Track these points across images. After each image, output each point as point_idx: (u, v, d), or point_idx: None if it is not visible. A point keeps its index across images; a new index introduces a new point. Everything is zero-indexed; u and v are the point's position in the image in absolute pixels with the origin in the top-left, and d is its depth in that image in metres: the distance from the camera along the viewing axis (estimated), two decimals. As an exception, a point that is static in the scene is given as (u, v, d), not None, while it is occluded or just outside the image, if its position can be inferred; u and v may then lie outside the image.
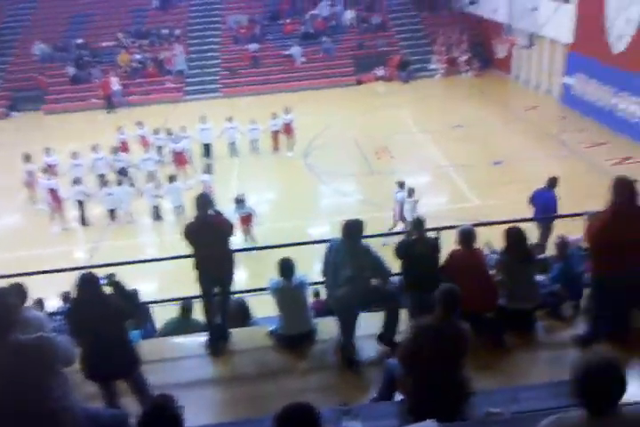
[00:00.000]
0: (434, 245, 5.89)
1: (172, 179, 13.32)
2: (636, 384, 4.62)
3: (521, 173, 14.87)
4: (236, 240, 11.24)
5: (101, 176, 14.93)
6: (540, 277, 6.27)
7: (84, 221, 13.87)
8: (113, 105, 23.95)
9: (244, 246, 11.56)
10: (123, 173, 15.11)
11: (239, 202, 12.01)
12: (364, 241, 5.57)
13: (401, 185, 11.90)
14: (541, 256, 7.44)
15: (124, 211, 13.78)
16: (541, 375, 4.96)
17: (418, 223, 5.93)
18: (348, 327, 5.47)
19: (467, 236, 5.68)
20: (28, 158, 14.83)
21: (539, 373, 5.10)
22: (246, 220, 12.02)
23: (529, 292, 5.76)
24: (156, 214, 13.67)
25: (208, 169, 13.88)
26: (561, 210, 11.41)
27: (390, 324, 5.51)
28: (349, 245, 5.43)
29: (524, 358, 5.33)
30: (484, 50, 25.72)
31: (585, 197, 11.20)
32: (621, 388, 2.54)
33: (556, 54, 20.56)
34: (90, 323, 4.61)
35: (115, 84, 24.29)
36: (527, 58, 22.60)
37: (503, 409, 4.15)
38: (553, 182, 10.58)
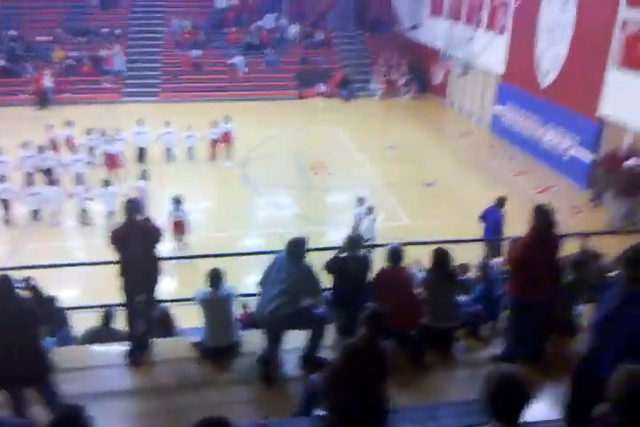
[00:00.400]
0: (365, 263, 5.99)
1: (106, 183, 12.90)
2: (546, 405, 4.88)
3: (451, 196, 15.38)
4: (168, 247, 11.09)
5: (29, 175, 14.33)
6: (461, 298, 6.49)
7: (7, 221, 13.25)
8: (45, 102, 23.08)
9: (177, 254, 11.39)
10: (48, 172, 14.53)
11: (177, 202, 11.81)
12: (308, 260, 5.59)
13: (360, 201, 11.99)
14: (464, 277, 7.71)
15: (53, 212, 13.25)
16: (459, 393, 5.12)
17: (354, 241, 5.99)
18: (271, 342, 5.47)
19: (394, 254, 5.82)
20: None
21: (457, 390, 5.25)
22: (180, 225, 11.82)
23: (451, 311, 5.94)
24: (84, 218, 13.22)
25: (144, 175, 13.52)
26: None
27: (314, 344, 5.53)
28: (291, 262, 5.45)
29: (442, 376, 5.48)
30: (422, 74, 26.53)
31: (511, 221, 11.76)
32: (525, 399, 2.68)
33: (489, 84, 21.48)
34: (0, 327, 4.41)
35: (47, 80, 23.46)
36: (462, 85, 23.49)
37: (420, 427, 4.26)
38: (501, 202, 10.98)
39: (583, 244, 7.60)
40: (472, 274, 8.07)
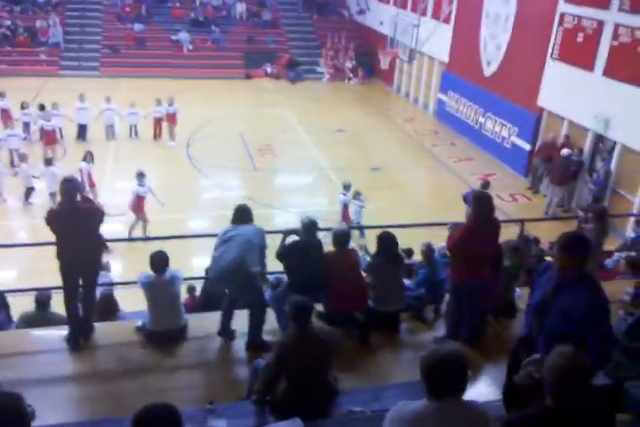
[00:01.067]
0: (321, 248, 5.94)
1: (48, 162, 12.22)
2: (485, 385, 5.08)
3: (396, 181, 15.59)
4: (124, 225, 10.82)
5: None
6: (406, 282, 6.63)
7: None
8: None
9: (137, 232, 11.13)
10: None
11: (140, 176, 11.50)
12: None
13: (345, 187, 11.87)
14: (409, 261, 7.87)
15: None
16: (404, 375, 5.23)
17: (309, 225, 5.82)
18: (225, 304, 5.61)
19: (340, 237, 5.86)
20: None
21: (402, 372, 5.37)
22: (141, 200, 11.54)
23: (396, 294, 6.06)
24: (29, 196, 12.66)
25: (88, 157, 12.69)
26: (428, 218, 12.15)
27: (257, 327, 5.49)
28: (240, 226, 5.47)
29: (388, 358, 5.59)
30: (369, 59, 26.61)
31: (450, 207, 12.05)
32: (462, 375, 2.72)
33: (433, 71, 21.75)
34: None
35: None
36: (408, 72, 23.70)
37: (365, 408, 4.35)
38: (485, 186, 11.25)
39: (521, 229, 7.89)
40: (416, 258, 8.24)
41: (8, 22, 23.98)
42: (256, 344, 5.43)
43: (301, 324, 4.17)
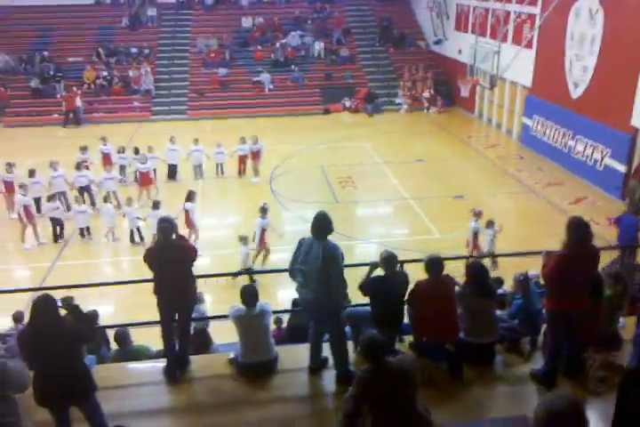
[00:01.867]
0: (405, 280, 5.86)
1: (156, 205, 12.54)
2: (592, 422, 4.76)
3: (480, 208, 15.20)
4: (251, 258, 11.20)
5: (62, 193, 14.64)
6: (498, 313, 6.39)
7: (56, 238, 13.54)
8: (74, 121, 23.62)
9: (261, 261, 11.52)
10: (84, 190, 14.82)
11: (263, 210, 11.91)
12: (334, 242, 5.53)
13: (476, 215, 11.71)
14: (500, 291, 7.60)
15: (110, 229, 13.45)
16: (499, 409, 5.02)
17: (388, 258, 5.77)
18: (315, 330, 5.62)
19: (433, 264, 5.71)
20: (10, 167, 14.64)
21: (496, 407, 5.16)
22: (264, 233, 11.83)
23: (489, 326, 5.85)
24: (137, 237, 13.35)
25: (192, 196, 12.90)
26: (520, 246, 11.74)
27: (342, 359, 5.48)
28: (318, 243, 5.46)
29: (482, 392, 5.39)
30: (447, 88, 26.50)
31: (542, 234, 11.60)
32: None
33: (517, 96, 21.35)
34: (44, 347, 4.44)
35: (78, 100, 24.03)
36: (489, 98, 23.38)
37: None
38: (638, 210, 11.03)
39: (622, 256, 7.45)
40: (506, 288, 7.95)
41: (105, 73, 25.86)
42: (345, 376, 5.39)
43: (376, 360, 4.15)
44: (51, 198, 13.58)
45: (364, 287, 5.77)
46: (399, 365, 4.21)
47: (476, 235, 11.51)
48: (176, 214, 12.87)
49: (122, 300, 10.48)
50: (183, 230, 12.32)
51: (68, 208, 14.40)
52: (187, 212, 12.70)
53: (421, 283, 5.70)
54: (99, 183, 15.07)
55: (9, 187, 14.55)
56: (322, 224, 5.51)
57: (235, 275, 10.23)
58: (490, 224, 11.43)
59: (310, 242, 5.49)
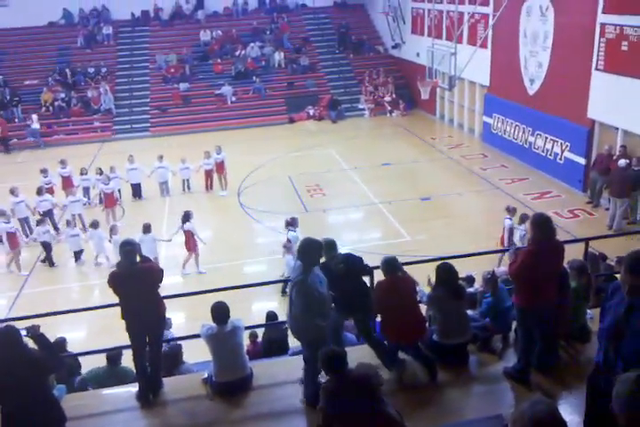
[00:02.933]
0: (351, 263, 5.87)
1: (146, 229, 12.14)
2: (565, 414, 4.80)
3: (448, 209, 15.40)
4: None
5: (25, 219, 14.37)
6: (469, 312, 6.44)
7: (51, 263, 13.33)
8: (8, 147, 23.18)
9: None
10: (47, 214, 14.56)
11: (291, 224, 11.79)
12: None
13: (509, 211, 11.62)
14: (470, 290, 7.66)
15: (99, 254, 13.21)
16: (475, 410, 5.04)
17: (327, 244, 5.66)
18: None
19: (388, 265, 5.75)
20: None
21: (473, 408, 5.17)
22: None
23: (461, 327, 5.89)
24: (103, 259, 13.15)
25: (191, 216, 12.61)
26: (488, 243, 11.89)
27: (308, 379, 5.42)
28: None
29: (457, 393, 5.40)
30: (409, 91, 26.77)
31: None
32: None
33: (476, 95, 21.67)
34: (9, 380, 4.33)
35: (34, 122, 23.65)
36: (449, 98, 23.68)
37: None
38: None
39: (585, 248, 7.57)
40: (477, 286, 8.02)
41: (62, 95, 25.48)
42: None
43: (337, 371, 4.27)
44: (40, 222, 13.30)
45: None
46: (359, 372, 4.28)
47: (511, 232, 11.43)
48: (170, 236, 12.73)
49: (92, 325, 10.30)
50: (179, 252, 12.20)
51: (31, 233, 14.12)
52: (187, 232, 12.40)
53: (379, 284, 5.75)
54: (63, 207, 14.82)
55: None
56: (315, 253, 5.25)
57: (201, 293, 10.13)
58: (523, 220, 11.22)
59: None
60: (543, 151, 17.18)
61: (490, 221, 14.62)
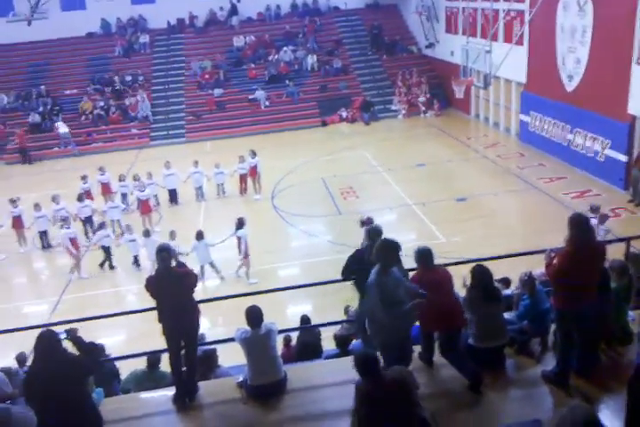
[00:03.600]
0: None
1: (199, 236, 12.31)
2: (606, 419, 4.66)
3: (484, 209, 15.15)
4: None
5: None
6: (506, 315, 6.31)
7: (112, 266, 13.61)
8: (28, 158, 23.71)
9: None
10: (87, 221, 14.91)
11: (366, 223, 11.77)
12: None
13: (593, 210, 11.11)
14: (507, 292, 7.51)
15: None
16: (514, 415, 4.94)
17: (374, 230, 5.83)
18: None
19: (423, 255, 5.65)
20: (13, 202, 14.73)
21: (511, 412, 5.07)
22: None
23: (497, 330, 5.78)
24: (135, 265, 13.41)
25: (244, 223, 12.65)
26: (527, 244, 11.62)
27: None
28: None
29: (495, 397, 5.29)
30: (443, 90, 26.51)
31: (548, 230, 11.45)
32: None
33: (512, 93, 21.31)
34: (47, 385, 4.43)
35: (62, 127, 24.32)
36: (485, 97, 23.35)
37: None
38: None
39: (627, 247, 7.34)
40: (514, 288, 7.86)
41: (102, 103, 26.10)
42: None
43: (370, 374, 4.24)
44: (101, 226, 13.63)
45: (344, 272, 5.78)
46: (393, 375, 4.26)
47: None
48: (222, 240, 12.69)
49: (131, 329, 10.47)
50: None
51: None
52: (239, 239, 12.40)
53: (414, 275, 5.66)
54: (102, 213, 15.15)
55: (17, 222, 14.66)
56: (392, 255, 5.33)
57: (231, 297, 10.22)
58: (603, 219, 10.94)
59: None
60: (583, 149, 16.77)
61: (527, 221, 14.38)
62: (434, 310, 5.43)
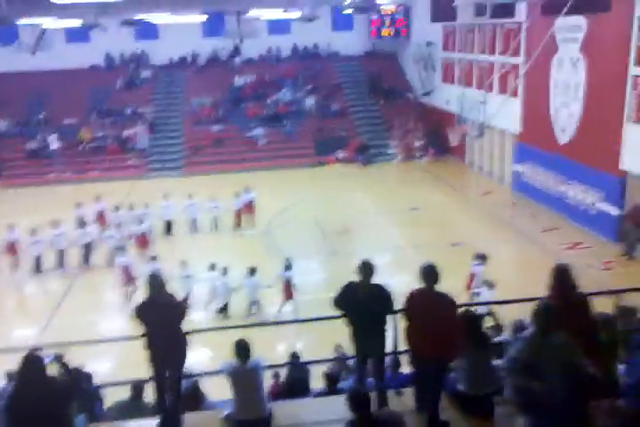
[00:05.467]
0: (378, 292, 5.76)
1: (252, 272, 12.31)
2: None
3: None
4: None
5: (61, 252, 14.68)
6: (497, 362, 6.23)
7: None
8: None
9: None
10: (87, 247, 14.82)
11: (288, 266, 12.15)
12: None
13: (480, 257, 11.75)
14: (498, 339, 7.46)
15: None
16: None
17: (366, 266, 5.76)
18: None
19: (427, 271, 5.48)
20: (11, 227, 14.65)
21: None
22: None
23: (487, 377, 5.69)
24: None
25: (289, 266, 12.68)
26: (518, 294, 11.59)
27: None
28: None
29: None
30: (438, 137, 26.97)
31: (539, 281, 11.48)
32: None
33: (506, 143, 21.72)
34: (30, 407, 4.33)
35: (54, 142, 24.76)
36: (479, 146, 23.77)
37: None
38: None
39: (616, 300, 7.36)
40: (506, 334, 7.81)
41: (100, 134, 26.32)
42: None
43: (360, 412, 4.19)
44: (121, 250, 13.51)
45: (334, 298, 5.64)
46: (384, 415, 4.28)
47: (477, 277, 11.41)
48: (271, 283, 12.44)
49: (117, 356, 10.27)
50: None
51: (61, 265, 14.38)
52: (285, 281, 12.28)
53: (413, 291, 5.49)
54: (102, 241, 15.10)
55: (10, 248, 14.55)
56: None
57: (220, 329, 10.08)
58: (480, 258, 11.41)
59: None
60: (575, 201, 17.00)
61: (519, 270, 14.40)
62: (419, 333, 5.34)
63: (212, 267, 12.79)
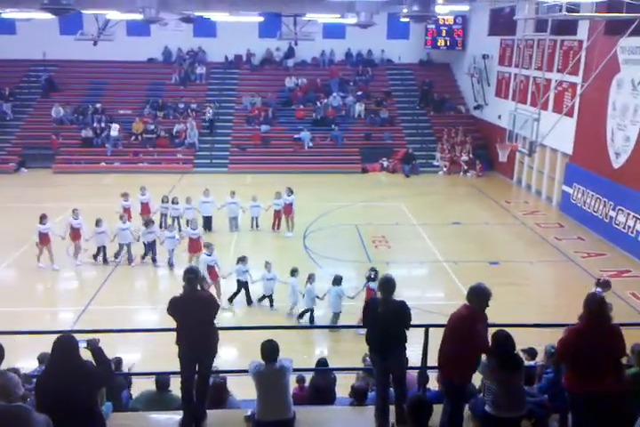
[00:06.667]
0: (398, 308, 5.80)
1: (336, 282, 12.18)
2: None
3: (516, 276, 14.86)
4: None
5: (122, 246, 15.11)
6: (526, 388, 6.08)
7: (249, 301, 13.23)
8: None
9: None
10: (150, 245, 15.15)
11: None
12: None
13: (600, 285, 10.96)
14: (531, 363, 7.28)
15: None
16: None
17: (386, 282, 5.90)
18: None
19: (476, 293, 5.41)
20: (42, 219, 14.72)
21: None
22: None
23: (515, 400, 5.55)
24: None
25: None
26: (556, 317, 11.32)
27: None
28: None
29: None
30: (487, 152, 26.59)
31: (578, 306, 11.17)
32: None
33: (557, 163, 21.25)
34: (59, 390, 4.38)
35: (114, 130, 25.83)
36: (529, 164, 23.32)
37: None
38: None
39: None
40: (539, 360, 7.62)
41: (152, 127, 26.90)
42: None
43: (418, 422, 4.25)
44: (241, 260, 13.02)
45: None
46: None
47: None
48: (355, 294, 12.19)
49: (154, 347, 10.42)
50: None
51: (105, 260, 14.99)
52: (370, 289, 11.79)
53: (462, 312, 5.43)
54: (138, 237, 15.33)
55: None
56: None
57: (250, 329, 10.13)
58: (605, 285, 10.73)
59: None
60: (624, 227, 16.49)
61: (560, 294, 14.02)
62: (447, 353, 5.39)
63: (293, 273, 12.54)
